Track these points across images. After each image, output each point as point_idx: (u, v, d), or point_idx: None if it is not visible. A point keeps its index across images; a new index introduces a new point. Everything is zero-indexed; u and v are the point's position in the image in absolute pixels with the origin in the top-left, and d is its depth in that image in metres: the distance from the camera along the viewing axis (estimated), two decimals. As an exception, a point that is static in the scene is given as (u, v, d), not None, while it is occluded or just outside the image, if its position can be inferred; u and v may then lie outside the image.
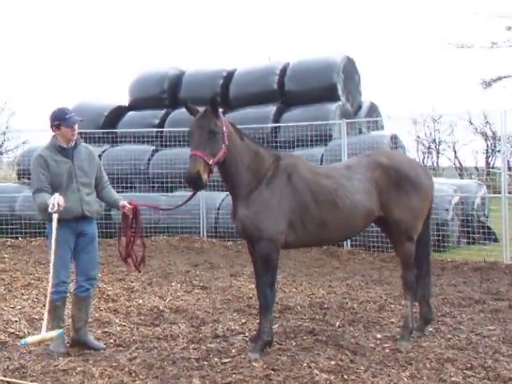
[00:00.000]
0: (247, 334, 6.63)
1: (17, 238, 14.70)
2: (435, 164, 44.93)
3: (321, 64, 16.49)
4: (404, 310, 6.53)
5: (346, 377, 5.25)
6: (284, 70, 16.88)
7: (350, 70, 16.86)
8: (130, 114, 17.93)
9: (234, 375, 5.31)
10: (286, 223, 5.93)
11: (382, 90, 56.65)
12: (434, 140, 46.20)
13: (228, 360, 5.74)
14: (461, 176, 34.52)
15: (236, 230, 6.40)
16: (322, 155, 14.09)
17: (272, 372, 5.37)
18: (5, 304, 8.00)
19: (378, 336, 6.53)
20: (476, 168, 39.54)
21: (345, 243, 12.89)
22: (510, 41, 29.40)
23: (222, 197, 14.35)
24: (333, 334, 6.58)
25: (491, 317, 7.31)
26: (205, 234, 14.49)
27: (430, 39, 72.50)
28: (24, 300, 8.23)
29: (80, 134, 6.38)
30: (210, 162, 5.63)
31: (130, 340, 6.51)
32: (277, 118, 15.99)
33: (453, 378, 5.24)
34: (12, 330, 6.77)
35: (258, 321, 6.33)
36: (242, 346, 6.18)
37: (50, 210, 5.71)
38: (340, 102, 15.91)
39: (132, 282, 9.53)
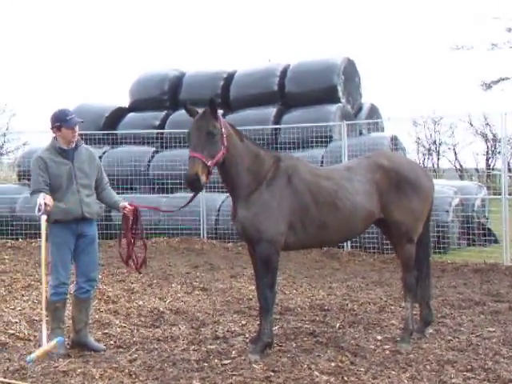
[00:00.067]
0: (247, 336, 6.63)
1: (17, 239, 14.71)
2: (435, 166, 44.89)
3: (321, 66, 16.52)
4: (404, 311, 6.53)
5: (346, 378, 5.25)
6: (284, 72, 16.91)
7: (350, 71, 16.89)
8: (131, 115, 17.97)
9: (234, 377, 5.31)
10: (286, 225, 5.93)
11: (383, 91, 56.77)
12: (435, 142, 46.22)
13: (228, 361, 5.74)
14: (461, 178, 34.47)
15: (236, 232, 6.40)
16: (323, 157, 14.11)
17: (272, 373, 5.37)
18: (5, 305, 8.00)
19: (379, 338, 6.52)
20: (476, 170, 39.55)
21: (345, 245, 12.90)
22: (511, 42, 29.43)
23: (222, 198, 14.35)
24: (333, 336, 6.58)
25: (491, 318, 7.31)
26: (205, 235, 14.49)
27: (430, 41, 72.64)
28: (24, 301, 8.24)
29: (80, 135, 6.38)
30: (209, 164, 5.63)
31: (130, 341, 6.51)
32: (277, 119, 16.02)
33: (453, 380, 5.24)
34: (12, 332, 6.78)
35: (258, 322, 6.33)
36: (243, 348, 6.18)
37: (36, 212, 5.74)
38: (340, 104, 15.94)
39: (132, 283, 9.54)
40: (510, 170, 11.92)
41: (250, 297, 8.44)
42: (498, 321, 7.19)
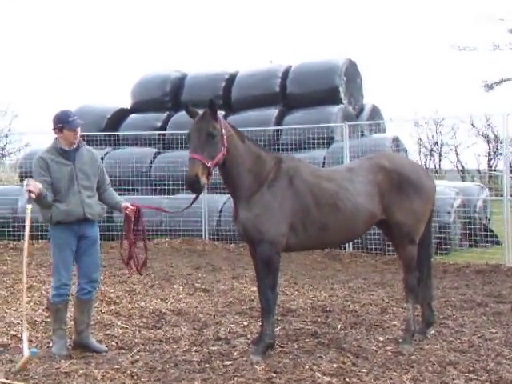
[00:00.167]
0: (249, 337, 6.63)
1: (19, 240, 14.69)
2: (437, 167, 44.89)
3: (323, 67, 16.53)
4: (406, 312, 6.52)
5: (347, 380, 5.24)
6: (286, 73, 16.93)
7: (352, 72, 16.89)
8: (133, 116, 17.99)
9: (235, 378, 5.31)
10: (287, 226, 5.93)
11: (384, 92, 56.75)
12: (436, 143, 46.19)
13: (230, 363, 5.74)
14: (463, 179, 34.46)
15: (238, 233, 6.40)
16: (324, 158, 14.11)
17: (274, 375, 5.37)
18: (7, 306, 8.01)
19: (380, 339, 6.52)
20: (478, 171, 39.47)
21: (347, 246, 12.90)
22: (513, 43, 29.41)
23: (224, 199, 14.35)
24: (335, 337, 6.58)
25: (493, 320, 7.30)
26: (207, 236, 14.49)
27: (432, 42, 72.52)
28: (26, 302, 8.21)
29: (82, 136, 6.39)
30: (209, 165, 5.62)
31: (131, 342, 6.51)
32: (279, 120, 16.03)
33: (455, 381, 5.24)
34: (14, 333, 6.77)
35: (259, 323, 6.32)
36: (244, 349, 6.18)
37: (26, 203, 5.78)
38: (342, 105, 15.96)
39: (134, 284, 9.54)
40: (511, 171, 11.87)
41: (252, 298, 8.44)
42: (500, 322, 7.18)
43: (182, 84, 18.09)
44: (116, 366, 5.65)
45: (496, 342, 6.36)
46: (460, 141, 44.43)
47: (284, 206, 5.92)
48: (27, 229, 5.86)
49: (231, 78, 17.60)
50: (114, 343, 6.51)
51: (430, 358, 5.81)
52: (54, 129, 6.11)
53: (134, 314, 7.69)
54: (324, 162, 13.94)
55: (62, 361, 5.83)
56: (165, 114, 17.59)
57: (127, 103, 18.85)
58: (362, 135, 15.82)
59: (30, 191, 5.70)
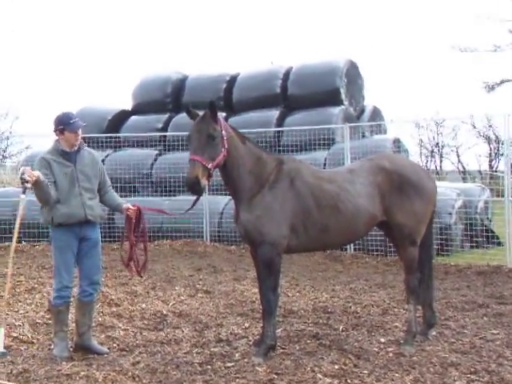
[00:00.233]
0: (250, 338, 6.63)
1: (20, 242, 14.71)
2: (438, 168, 44.90)
3: (324, 68, 16.53)
4: (407, 314, 6.52)
5: (349, 381, 5.25)
6: (287, 74, 16.93)
7: (353, 74, 16.89)
8: (134, 118, 18.00)
9: (237, 379, 5.33)
10: (288, 227, 5.94)
11: (385, 93, 56.74)
12: (437, 144, 46.17)
13: (231, 364, 5.75)
14: (464, 180, 34.42)
15: (239, 234, 6.40)
16: (325, 159, 14.12)
17: (275, 376, 5.37)
18: (8, 308, 8.00)
19: (382, 340, 6.52)
20: (479, 172, 39.43)
21: (348, 247, 12.90)
22: (513, 44, 29.40)
23: (225, 201, 14.35)
24: (336, 338, 6.58)
25: (495, 321, 7.29)
26: (208, 238, 14.49)
27: (432, 43, 72.57)
28: (27, 304, 8.25)
29: (83, 138, 6.40)
30: (209, 167, 5.63)
31: (133, 344, 6.52)
32: (280, 122, 16.03)
33: (456, 382, 5.24)
34: (15, 335, 6.78)
35: (261, 325, 6.32)
36: (246, 350, 6.18)
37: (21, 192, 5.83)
38: (343, 106, 15.96)
39: (135, 286, 9.54)
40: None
41: (253, 299, 8.44)
42: (501, 323, 7.18)
43: (183, 85, 18.09)
44: (117, 368, 5.66)
45: (497, 343, 6.35)
46: (461, 142, 44.42)
47: (285, 208, 5.93)
48: (18, 219, 5.86)
49: (232, 80, 17.61)
50: (115, 345, 6.52)
51: (432, 359, 5.81)
52: (56, 130, 6.12)
53: (135, 316, 7.70)
54: (325, 164, 13.95)
55: (64, 363, 5.83)
56: (166, 116, 17.60)
57: (128, 105, 18.86)
58: (363, 136, 15.82)
59: (24, 181, 5.71)
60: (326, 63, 16.82)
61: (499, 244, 13.31)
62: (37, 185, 5.78)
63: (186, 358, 5.97)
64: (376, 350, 6.18)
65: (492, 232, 13.95)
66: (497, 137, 40.03)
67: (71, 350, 6.24)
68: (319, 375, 5.37)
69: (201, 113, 5.85)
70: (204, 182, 5.60)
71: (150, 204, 13.14)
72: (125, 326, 7.26)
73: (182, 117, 15.84)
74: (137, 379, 5.41)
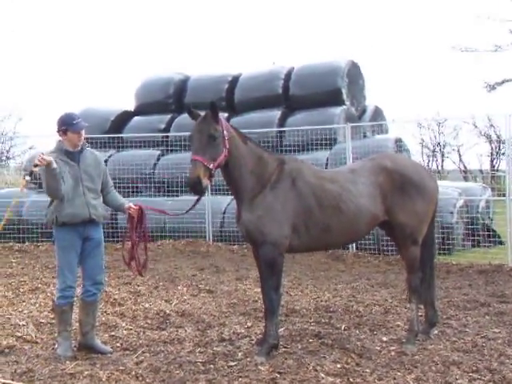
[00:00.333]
0: (253, 338, 6.65)
1: (24, 242, 14.78)
2: (440, 167, 44.91)
3: (325, 68, 16.55)
4: (409, 313, 6.55)
5: (351, 380, 5.27)
6: (289, 75, 16.94)
7: (354, 74, 16.90)
8: (136, 118, 18.02)
9: (240, 378, 5.34)
10: (290, 227, 5.95)
11: (387, 93, 56.74)
12: (439, 143, 46.18)
13: (234, 363, 5.77)
14: (465, 179, 34.45)
15: (241, 234, 6.43)
16: (327, 159, 14.13)
17: (278, 375, 5.39)
18: (12, 308, 8.05)
19: (384, 339, 6.54)
20: (480, 171, 39.45)
21: (350, 247, 12.91)
22: (514, 44, 29.35)
23: (227, 201, 14.37)
24: (338, 337, 6.60)
25: (496, 319, 7.31)
26: (210, 237, 14.51)
27: (433, 43, 72.55)
28: (31, 304, 8.28)
29: (86, 139, 6.42)
30: (211, 167, 5.65)
31: (136, 344, 6.54)
32: (281, 122, 16.04)
33: (458, 381, 5.25)
34: (19, 334, 6.81)
35: (263, 324, 6.34)
36: (248, 350, 6.20)
37: (35, 169, 5.77)
38: (344, 106, 15.97)
39: (138, 285, 9.57)
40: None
41: (256, 299, 8.46)
42: (503, 322, 7.19)
43: (185, 86, 18.12)
44: (121, 367, 5.68)
45: (499, 341, 6.37)
46: (462, 141, 44.45)
47: (287, 208, 5.94)
48: (16, 199, 5.84)
49: (234, 80, 17.63)
50: (118, 344, 6.54)
51: (434, 358, 5.83)
52: (59, 131, 6.15)
53: (138, 316, 7.72)
54: (327, 164, 13.96)
55: (68, 362, 5.86)
56: (168, 116, 17.61)
57: (131, 106, 18.89)
58: (365, 136, 15.84)
59: (34, 164, 5.73)
60: (328, 63, 16.84)
61: (501, 243, 13.32)
62: (48, 169, 5.77)
63: (188, 358, 5.99)
64: (378, 348, 6.19)
65: (493, 231, 13.95)
66: (498, 136, 40.04)
67: (75, 349, 6.26)
68: (321, 374, 5.39)
69: (202, 113, 5.88)
70: (205, 182, 5.63)
71: (152, 204, 13.15)
72: (128, 325, 7.29)
73: (185, 117, 15.85)
74: (140, 378, 5.43)
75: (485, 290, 9.10)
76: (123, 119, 18.09)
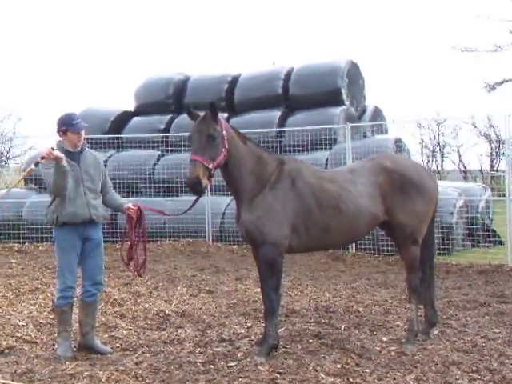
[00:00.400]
0: (253, 338, 6.66)
1: (24, 243, 14.79)
2: (439, 167, 44.96)
3: (325, 68, 16.55)
4: (409, 313, 6.55)
5: (351, 380, 5.27)
6: (288, 75, 16.94)
7: (354, 74, 16.90)
8: (136, 119, 18.01)
9: (240, 379, 5.34)
10: (289, 228, 5.95)
11: (386, 93, 56.76)
12: (439, 143, 46.22)
13: (234, 364, 5.77)
14: (465, 179, 34.50)
15: (240, 234, 6.42)
16: (327, 159, 14.12)
17: (278, 375, 5.39)
18: (12, 308, 8.05)
19: (384, 339, 6.54)
20: (480, 171, 39.51)
21: (350, 247, 12.92)
22: (514, 44, 29.35)
23: (227, 201, 14.37)
24: (338, 338, 6.60)
25: (496, 319, 7.32)
26: (210, 238, 14.51)
27: (433, 43, 72.58)
28: (31, 305, 8.28)
29: (86, 139, 6.43)
30: (210, 167, 5.65)
31: (136, 344, 6.54)
32: (281, 122, 16.03)
33: (458, 381, 5.26)
34: (19, 335, 6.81)
35: (263, 324, 6.34)
36: (248, 350, 6.20)
37: (41, 161, 5.75)
38: (344, 107, 15.96)
39: (138, 286, 9.57)
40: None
41: (256, 299, 8.46)
42: (502, 322, 7.20)
43: (185, 86, 18.11)
44: (121, 368, 5.68)
45: (499, 341, 6.38)
46: (462, 141, 44.51)
47: (286, 208, 5.94)
48: (21, 177, 5.80)
49: (234, 81, 17.62)
50: (118, 345, 6.54)
51: (434, 358, 5.83)
52: (59, 131, 6.15)
53: (138, 316, 7.72)
54: (326, 164, 13.95)
55: (67, 362, 5.87)
56: (168, 117, 17.60)
57: (131, 106, 18.89)
58: (365, 136, 15.84)
59: (42, 157, 5.73)
60: (327, 64, 16.84)
61: (500, 243, 13.34)
62: (58, 166, 5.74)
63: (188, 358, 5.99)
64: (378, 348, 6.20)
65: (493, 231, 13.97)
66: (498, 136, 40.09)
67: (75, 349, 6.26)
68: (321, 374, 5.39)
69: (202, 113, 5.88)
70: (205, 182, 5.62)
71: (152, 204, 13.15)
72: (128, 325, 7.29)
73: (184, 118, 15.72)
74: (140, 379, 5.43)
75: (484, 290, 9.11)
76: (123, 119, 18.08)
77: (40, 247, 14.24)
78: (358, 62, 17.30)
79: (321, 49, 65.39)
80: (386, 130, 16.94)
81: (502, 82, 30.17)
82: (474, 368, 5.56)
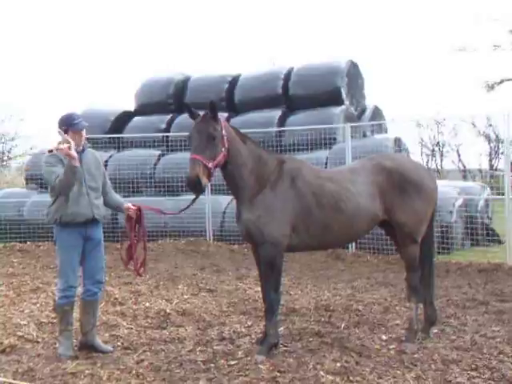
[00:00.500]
0: (253, 337, 6.68)
1: (25, 242, 14.81)
2: (439, 166, 44.97)
3: (325, 68, 16.58)
4: (409, 311, 6.57)
5: (351, 378, 5.28)
6: (288, 75, 16.98)
7: (353, 74, 16.94)
8: (137, 119, 18.05)
9: (240, 377, 5.37)
10: (289, 227, 5.97)
11: (386, 93, 56.75)
12: (438, 143, 46.25)
13: (234, 362, 5.79)
14: (464, 178, 34.51)
15: (241, 234, 6.44)
16: (327, 159, 14.14)
17: (278, 374, 5.41)
18: (14, 308, 8.08)
19: (384, 338, 6.56)
20: (479, 170, 39.52)
21: (350, 246, 12.93)
22: (513, 44, 29.38)
23: (227, 200, 14.39)
24: (338, 336, 6.62)
25: (495, 318, 7.33)
26: (211, 237, 14.53)
27: (433, 43, 72.56)
28: (32, 304, 8.30)
29: (87, 139, 6.44)
30: (210, 166, 5.66)
31: (137, 343, 6.56)
32: (281, 122, 16.07)
33: (458, 379, 5.27)
34: (21, 334, 6.83)
35: (263, 323, 6.36)
36: (249, 349, 6.22)
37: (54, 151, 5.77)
38: (344, 106, 15.99)
39: (139, 285, 9.59)
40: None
41: (256, 298, 8.48)
42: (502, 320, 7.22)
43: (185, 86, 18.15)
44: (122, 367, 5.71)
45: (498, 340, 6.39)
46: (461, 141, 44.53)
47: (286, 207, 5.96)
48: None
49: (234, 81, 17.66)
50: (119, 344, 6.56)
51: (433, 357, 5.85)
52: (60, 131, 6.17)
53: (139, 315, 7.74)
54: (326, 163, 13.97)
55: (69, 361, 5.89)
56: (168, 116, 17.64)
57: (131, 106, 18.92)
58: (364, 136, 15.86)
59: (57, 148, 5.77)
60: (327, 63, 16.88)
61: (499, 242, 13.35)
62: (71, 166, 5.75)
63: (189, 357, 6.02)
64: (378, 347, 6.21)
65: (492, 230, 13.99)
66: (497, 136, 40.13)
67: (76, 348, 6.28)
68: (321, 373, 5.40)
69: (201, 113, 5.90)
70: (204, 180, 5.63)
71: (153, 204, 13.15)
72: (129, 324, 7.31)
73: (185, 117, 15.76)
74: (141, 377, 5.45)
75: (484, 289, 9.12)
76: (124, 119, 18.13)
77: (41, 246, 14.24)
78: (358, 61, 17.36)
79: (320, 49, 65.43)
80: (386, 129, 16.97)
81: (502, 82, 30.20)
82: (474, 366, 5.58)
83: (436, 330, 6.75)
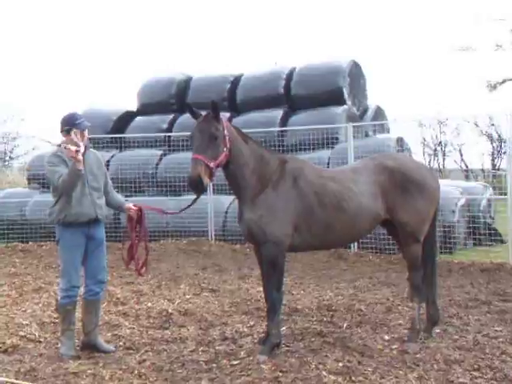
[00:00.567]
0: (255, 337, 6.68)
1: (27, 242, 14.82)
2: (441, 166, 44.94)
3: (327, 68, 16.57)
4: (411, 311, 6.56)
5: (353, 378, 5.28)
6: (290, 75, 16.97)
7: (355, 73, 16.93)
8: (139, 118, 18.05)
9: (242, 377, 5.36)
10: (291, 226, 5.96)
11: (388, 93, 56.74)
12: (440, 142, 46.22)
13: (237, 362, 5.79)
14: (467, 178, 34.50)
15: (242, 233, 6.44)
16: (329, 158, 14.13)
17: (280, 374, 5.40)
18: (16, 307, 8.09)
19: (386, 337, 6.55)
20: (482, 170, 39.52)
21: (352, 245, 12.92)
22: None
23: (229, 200, 14.38)
24: (340, 336, 6.61)
25: (498, 318, 7.32)
26: (213, 237, 14.53)
27: (435, 43, 72.51)
28: (35, 304, 8.31)
29: (89, 139, 6.44)
30: (211, 165, 5.65)
31: (139, 343, 6.57)
32: (283, 121, 16.06)
33: (460, 379, 5.26)
34: (23, 334, 6.84)
35: (266, 323, 6.36)
36: (251, 348, 6.22)
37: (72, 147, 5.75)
38: (346, 106, 15.98)
39: (141, 285, 9.60)
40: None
41: (258, 298, 8.48)
42: (504, 320, 7.20)
43: (187, 86, 18.15)
44: (124, 366, 5.72)
45: (501, 339, 6.38)
46: (464, 140, 44.53)
47: (288, 207, 5.96)
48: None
49: (236, 80, 17.66)
50: (121, 343, 6.57)
51: (436, 357, 5.84)
52: (62, 131, 6.17)
53: (141, 315, 7.75)
54: (328, 163, 13.95)
55: (71, 361, 5.90)
56: (170, 116, 17.64)
57: (133, 106, 18.94)
58: (366, 136, 15.85)
59: (65, 147, 5.78)
60: (329, 63, 16.87)
61: (502, 242, 13.33)
62: (76, 169, 5.75)
63: (191, 356, 6.02)
64: (380, 347, 6.20)
65: (495, 230, 13.97)
66: (499, 135, 40.10)
67: (78, 348, 6.29)
68: (324, 373, 5.40)
69: (204, 113, 5.90)
70: (206, 180, 5.62)
71: (155, 204, 13.17)
72: (131, 324, 7.31)
73: (187, 117, 15.74)
74: (143, 377, 5.46)
75: (486, 289, 9.11)
76: (126, 119, 18.13)
77: (43, 246, 14.24)
78: (360, 61, 17.34)
79: (322, 48, 65.44)
80: (388, 129, 16.96)
81: (504, 82, 30.18)
82: (476, 366, 5.57)
83: (438, 330, 6.74)
